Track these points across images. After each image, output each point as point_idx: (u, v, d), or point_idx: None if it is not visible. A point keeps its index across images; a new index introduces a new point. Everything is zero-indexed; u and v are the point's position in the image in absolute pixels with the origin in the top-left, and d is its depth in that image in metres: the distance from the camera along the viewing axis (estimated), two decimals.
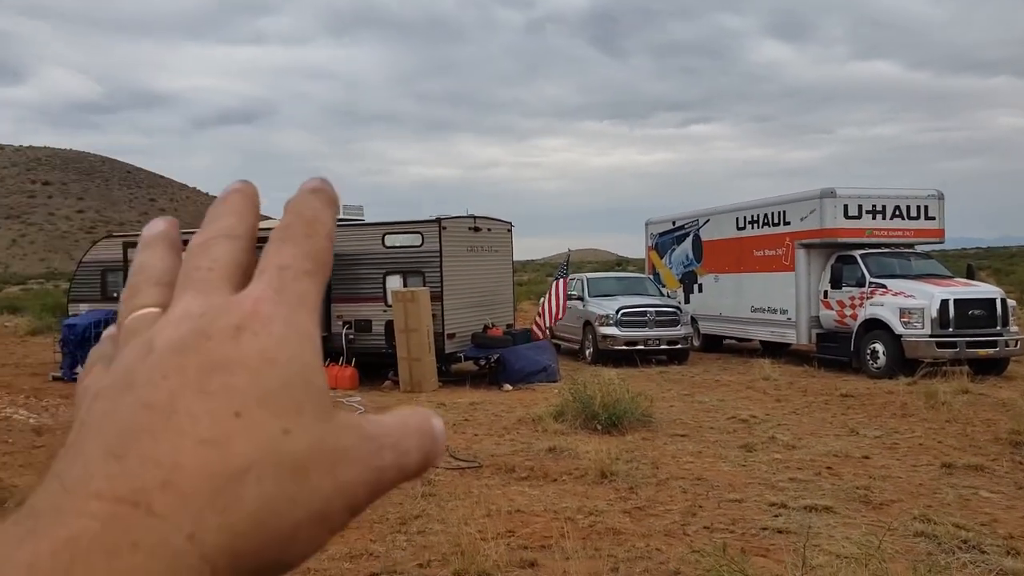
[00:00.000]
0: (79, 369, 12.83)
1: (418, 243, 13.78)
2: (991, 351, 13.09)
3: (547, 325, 15.42)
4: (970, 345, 12.95)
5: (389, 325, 13.34)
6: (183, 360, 0.33)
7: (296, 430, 0.32)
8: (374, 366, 13.71)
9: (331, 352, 13.87)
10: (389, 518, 6.07)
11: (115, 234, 17.75)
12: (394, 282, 13.74)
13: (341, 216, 10.22)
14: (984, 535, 5.49)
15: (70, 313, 16.24)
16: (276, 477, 0.31)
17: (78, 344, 14.64)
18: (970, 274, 15.03)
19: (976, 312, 13.24)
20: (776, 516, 5.99)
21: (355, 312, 14.03)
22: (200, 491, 0.30)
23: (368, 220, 15.21)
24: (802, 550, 4.12)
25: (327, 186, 0.41)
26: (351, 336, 13.91)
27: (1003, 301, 13.53)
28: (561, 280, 15.67)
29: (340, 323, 14.06)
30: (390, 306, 13.35)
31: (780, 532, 5.60)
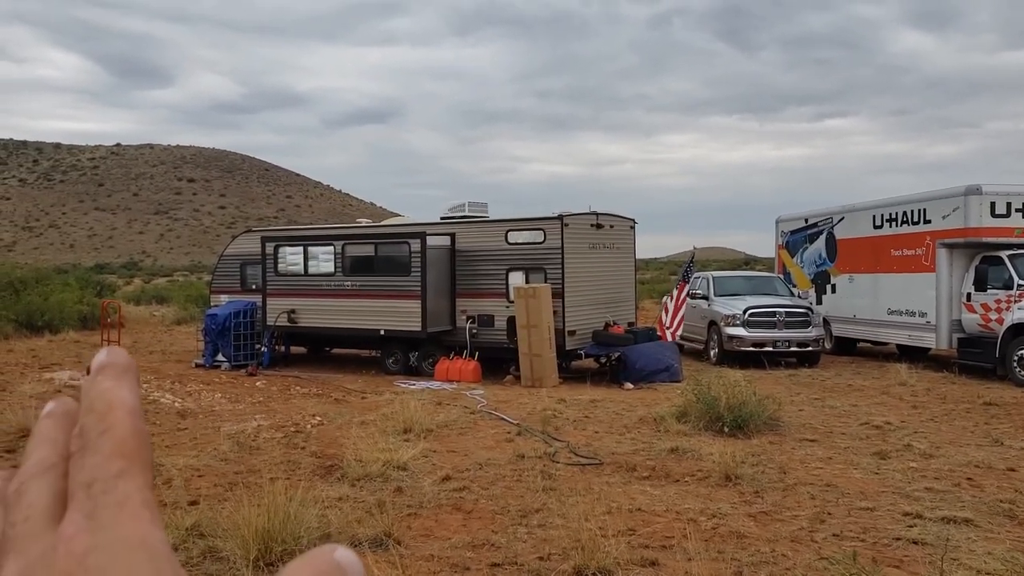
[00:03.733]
0: (220, 357, 13.68)
1: (540, 240, 13.89)
2: None
3: (673, 328, 15.19)
4: None
5: (511, 321, 13.54)
6: None
7: None
8: (497, 360, 13.97)
9: (455, 346, 14.26)
10: (511, 510, 6.20)
11: (254, 229, 18.81)
12: (516, 278, 13.92)
13: (466, 213, 10.50)
14: None
15: (211, 304, 17.34)
16: None
17: (219, 333, 15.64)
18: None
19: None
20: (911, 527, 5.74)
21: (478, 307, 14.31)
22: None
23: (492, 217, 15.46)
24: (939, 563, 3.96)
25: (113, 356, 0.39)
26: (474, 330, 14.21)
27: None
28: (682, 284, 15.35)
29: (464, 317, 14.39)
30: (512, 302, 13.54)
31: (915, 543, 5.37)
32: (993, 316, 13.65)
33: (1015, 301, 13.21)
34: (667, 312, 15.29)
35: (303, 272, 15.46)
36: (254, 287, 16.47)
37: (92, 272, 56.83)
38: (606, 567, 4.88)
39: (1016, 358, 12.91)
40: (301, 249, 15.61)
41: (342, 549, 0.36)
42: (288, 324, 15.63)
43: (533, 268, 13.89)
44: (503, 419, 9.90)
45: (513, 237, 14.21)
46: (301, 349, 17.24)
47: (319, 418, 10.07)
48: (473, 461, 7.75)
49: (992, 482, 7.01)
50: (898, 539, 5.50)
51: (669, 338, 15.10)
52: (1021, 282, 13.24)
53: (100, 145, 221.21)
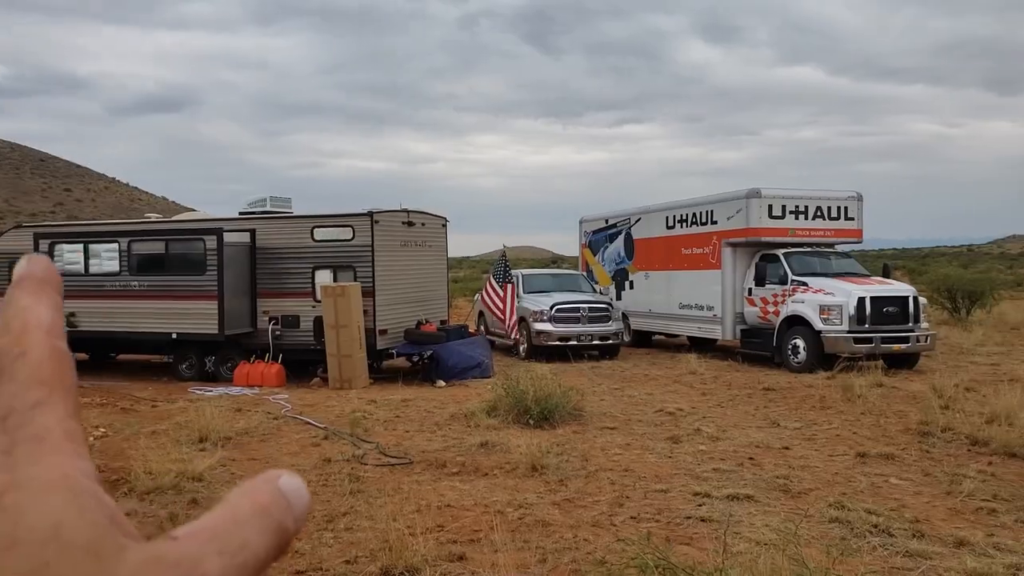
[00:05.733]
0: None
1: (349, 237, 13.57)
2: (904, 346, 13.67)
3: (509, 324, 15.40)
4: (885, 341, 13.49)
5: (318, 321, 13.13)
6: None
7: None
8: (303, 363, 13.50)
9: (256, 349, 13.60)
10: (316, 516, 5.99)
11: (25, 224, 17.01)
12: (324, 277, 13.52)
13: (268, 208, 9.99)
14: (893, 520, 5.73)
15: None
16: None
17: None
18: (886, 273, 15.66)
19: (891, 309, 13.78)
20: (700, 505, 6.14)
21: (282, 307, 13.76)
22: None
23: (297, 213, 14.91)
24: (723, 537, 4.23)
25: (32, 266, 0.37)
26: (277, 332, 13.65)
27: (915, 299, 14.12)
28: (507, 284, 15.55)
29: (266, 319, 13.77)
30: (319, 301, 13.14)
31: (703, 521, 5.74)
32: (771, 309, 14.97)
33: (789, 295, 14.56)
34: (499, 310, 15.42)
35: (83, 272, 14.17)
36: None
37: None
38: (414, 565, 4.82)
39: (790, 347, 14.23)
40: (81, 247, 14.31)
41: (287, 475, 0.35)
42: (67, 328, 14.24)
43: (342, 266, 13.54)
44: (309, 423, 9.56)
45: (320, 234, 13.78)
46: (83, 356, 15.78)
47: (103, 429, 9.24)
48: (276, 468, 7.41)
49: (770, 460, 7.66)
50: (689, 518, 5.86)
51: (512, 335, 15.40)
52: (795, 278, 14.61)
53: None
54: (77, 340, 14.90)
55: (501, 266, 15.85)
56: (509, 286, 15.45)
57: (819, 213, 15.74)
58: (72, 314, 14.11)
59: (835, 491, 6.54)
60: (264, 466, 7.41)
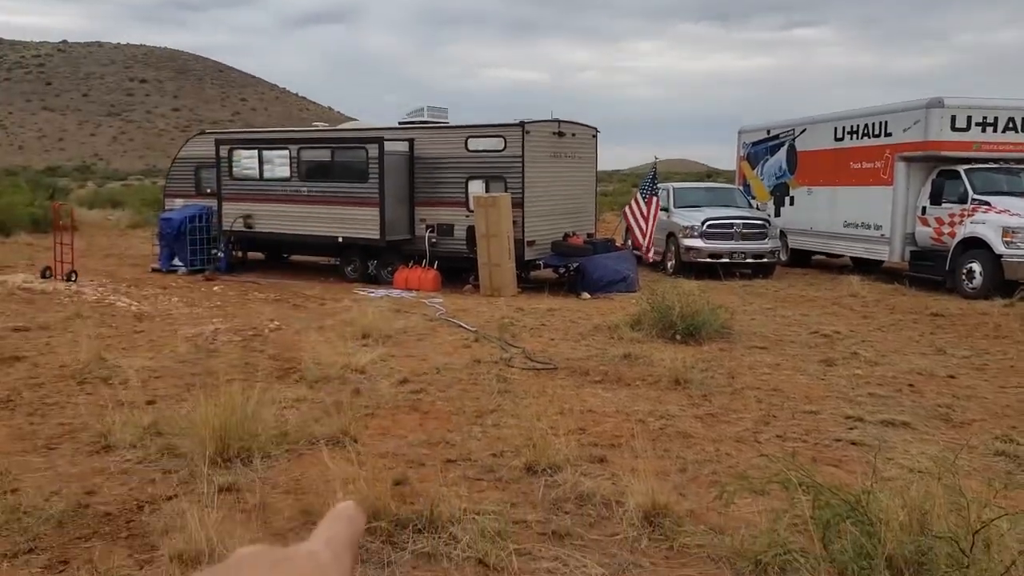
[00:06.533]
0: (176, 261, 13.52)
1: (501, 147, 13.66)
2: None
3: (646, 246, 15.12)
4: None
5: (471, 230, 13.46)
6: None
7: None
8: (456, 270, 13.94)
9: (414, 255, 14.17)
10: (466, 411, 6.30)
11: (208, 131, 18.25)
12: (476, 187, 13.76)
13: (425, 119, 10.24)
14: None
15: (166, 208, 16.96)
16: None
17: (174, 237, 15.36)
18: None
19: None
20: (851, 429, 5.96)
21: (438, 216, 14.18)
22: None
23: (452, 123, 15.13)
24: (874, 461, 4.11)
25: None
26: (434, 239, 14.12)
27: None
28: (652, 197, 15.07)
29: (423, 226, 14.26)
30: (472, 211, 13.43)
31: (854, 444, 5.59)
32: (946, 230, 13.91)
33: (968, 215, 13.45)
34: (639, 229, 15.09)
35: (258, 177, 15.11)
36: (209, 191, 16.10)
37: (43, 175, 54.90)
38: (556, 463, 5.00)
39: (965, 271, 13.23)
40: (256, 153, 15.22)
41: (344, 504, 0.54)
42: (244, 229, 15.38)
43: (493, 176, 13.72)
44: (461, 326, 9.95)
45: (473, 144, 13.96)
46: (259, 255, 17.03)
47: (277, 323, 10.03)
48: (430, 365, 7.82)
49: (932, 388, 7.27)
50: (838, 440, 5.71)
51: (650, 257, 15.19)
52: (975, 196, 13.45)
53: (45, 41, 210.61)
54: (255, 240, 16.10)
55: (649, 178, 15.46)
56: (654, 199, 15.08)
57: (1011, 125, 14.28)
58: (249, 216, 15.19)
59: (1004, 424, 6.15)
60: (420, 363, 7.83)
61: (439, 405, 6.51)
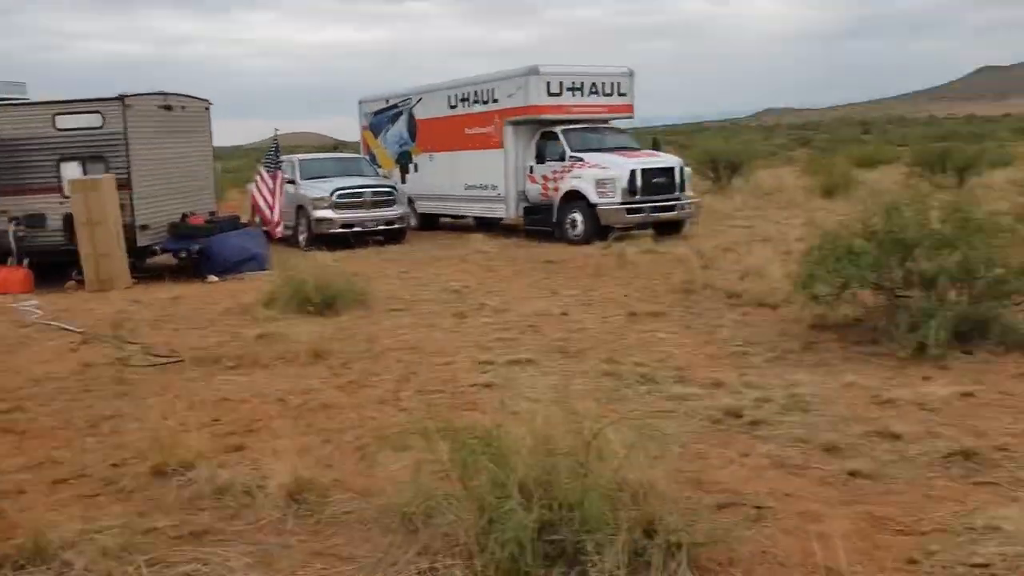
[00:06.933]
0: None
1: (99, 124, 12.23)
2: (672, 215, 14.63)
3: (275, 222, 14.49)
4: (654, 210, 14.35)
5: (69, 218, 11.87)
6: None
7: None
8: (54, 265, 12.19)
9: None
10: (76, 423, 5.52)
11: None
12: (71, 169, 12.16)
13: None
14: (659, 369, 6.18)
15: None
16: None
17: None
18: (655, 146, 16.52)
19: (659, 180, 14.62)
20: (484, 373, 6.28)
21: (24, 205, 12.29)
22: None
23: (33, 99, 13.20)
24: (503, 398, 4.34)
25: None
26: (21, 233, 12.21)
27: (681, 169, 15.07)
28: (276, 172, 14.52)
29: (6, 219, 12.25)
30: (68, 197, 11.84)
31: (487, 387, 5.89)
32: (551, 186, 15.38)
33: (568, 171, 14.99)
34: (267, 204, 14.43)
35: None
36: None
37: None
38: (188, 461, 4.55)
39: (569, 221, 14.78)
40: None
41: None
42: None
43: (91, 157, 12.24)
44: (65, 328, 8.70)
45: (63, 122, 12.31)
46: None
47: None
48: (26, 378, 6.71)
49: (550, 326, 7.98)
50: (473, 385, 5.98)
51: (278, 232, 14.56)
52: (572, 154, 15.02)
53: None
54: None
55: (272, 152, 14.89)
56: (279, 173, 14.60)
57: (594, 89, 16.14)
58: None
59: (607, 348, 6.94)
60: (13, 378, 6.69)
61: (41, 421, 5.61)
